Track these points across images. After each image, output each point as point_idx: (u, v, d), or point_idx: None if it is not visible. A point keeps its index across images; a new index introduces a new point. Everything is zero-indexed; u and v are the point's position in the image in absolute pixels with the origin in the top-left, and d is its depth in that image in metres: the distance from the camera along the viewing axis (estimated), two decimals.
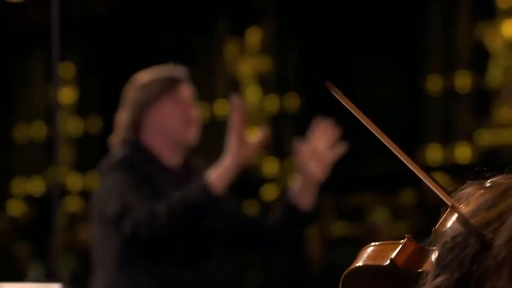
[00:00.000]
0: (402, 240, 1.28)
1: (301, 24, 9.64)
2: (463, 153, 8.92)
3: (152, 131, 3.30)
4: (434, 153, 9.01)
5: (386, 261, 1.27)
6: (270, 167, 9.64)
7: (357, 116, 1.29)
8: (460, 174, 8.61)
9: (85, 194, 10.76)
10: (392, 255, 1.27)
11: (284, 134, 9.67)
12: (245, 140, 3.24)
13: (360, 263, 1.31)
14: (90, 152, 10.81)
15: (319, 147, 3.34)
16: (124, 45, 10.64)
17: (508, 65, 8.92)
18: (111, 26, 10.69)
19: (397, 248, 1.28)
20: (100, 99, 10.86)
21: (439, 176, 8.75)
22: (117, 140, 3.37)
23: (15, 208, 10.63)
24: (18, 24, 10.56)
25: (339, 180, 9.39)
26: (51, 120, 10.50)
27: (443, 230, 1.21)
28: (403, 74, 9.25)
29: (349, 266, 1.31)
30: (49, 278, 2.77)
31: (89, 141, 10.82)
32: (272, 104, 9.77)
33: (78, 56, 10.78)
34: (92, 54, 10.93)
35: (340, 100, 1.28)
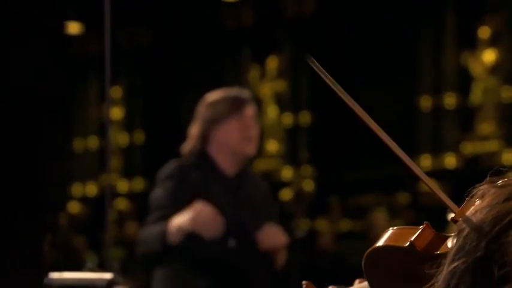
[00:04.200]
0: (421, 226, 1.22)
1: (311, 54, 9.61)
2: (450, 161, 8.87)
3: (217, 143, 3.28)
4: (425, 161, 8.96)
5: (406, 243, 1.20)
6: (287, 173, 9.62)
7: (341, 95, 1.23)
8: (447, 178, 8.56)
9: (131, 196, 10.77)
10: (412, 238, 1.20)
11: (298, 145, 9.65)
12: (205, 210, 3.15)
13: (381, 243, 1.24)
14: (135, 160, 10.83)
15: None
16: (164, 72, 10.66)
17: (488, 86, 8.87)
18: (154, 55, 10.72)
19: (416, 232, 1.21)
20: (143, 116, 10.88)
21: (431, 180, 8.69)
22: (187, 148, 3.36)
23: (74, 207, 10.66)
24: (76, 54, 10.61)
25: (345, 184, 9.38)
26: (103, 134, 10.53)
27: (460, 219, 1.14)
28: (398, 94, 9.22)
29: (369, 247, 1.24)
30: (102, 268, 2.75)
31: (134, 151, 10.85)
32: (288, 120, 9.76)
33: (125, 80, 10.82)
34: (137, 79, 10.96)
35: (322, 76, 1.23)
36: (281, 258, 3.27)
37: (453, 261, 1.07)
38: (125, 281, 2.71)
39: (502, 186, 1.12)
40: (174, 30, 10.40)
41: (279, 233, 3.24)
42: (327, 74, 1.18)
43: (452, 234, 1.15)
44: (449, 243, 1.14)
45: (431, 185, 1.21)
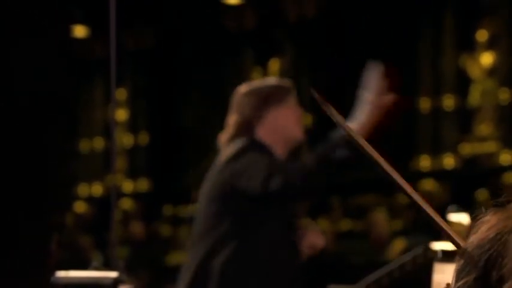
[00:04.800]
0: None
1: (312, 56, 9.64)
2: (449, 161, 8.86)
3: (269, 129, 3.21)
4: (424, 161, 8.96)
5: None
6: None
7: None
8: (446, 179, 8.55)
9: (136, 196, 10.77)
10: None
11: (298, 146, 9.64)
12: (380, 101, 3.13)
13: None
14: (139, 161, 10.83)
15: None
16: (168, 74, 10.67)
17: (486, 88, 8.87)
18: (157, 58, 10.73)
19: None
20: (147, 117, 10.89)
21: (429, 181, 8.70)
22: (225, 138, 3.27)
23: (80, 207, 10.67)
24: (82, 56, 10.62)
25: (345, 184, 9.37)
26: (108, 135, 10.53)
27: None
28: (398, 95, 9.21)
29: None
30: (107, 267, 2.75)
31: (138, 152, 10.85)
32: None
33: (130, 82, 10.82)
34: (141, 82, 10.97)
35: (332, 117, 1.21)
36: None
37: (457, 281, 1.10)
38: (129, 280, 2.71)
39: (498, 211, 1.14)
40: (178, 32, 10.40)
41: (320, 236, 3.27)
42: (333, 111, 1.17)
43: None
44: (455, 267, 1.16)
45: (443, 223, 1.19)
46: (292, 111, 3.28)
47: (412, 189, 1.22)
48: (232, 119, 3.26)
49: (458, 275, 1.10)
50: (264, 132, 3.21)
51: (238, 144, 3.18)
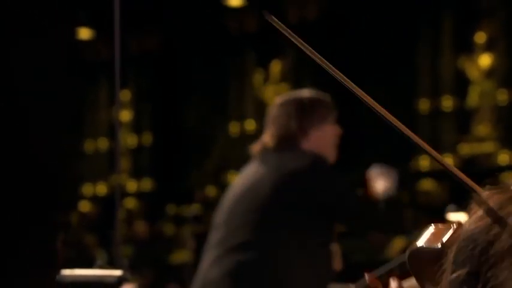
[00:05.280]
0: (453, 225, 1.20)
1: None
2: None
3: (311, 144, 3.07)
4: (424, 162, 8.96)
5: (438, 244, 1.19)
6: None
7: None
8: (445, 178, 8.55)
9: (139, 195, 10.78)
10: (444, 239, 1.19)
11: None
12: None
13: (419, 244, 1.23)
14: (143, 161, 10.83)
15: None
16: (171, 76, 10.67)
17: (484, 89, 8.87)
18: (161, 60, 10.74)
19: (448, 232, 1.19)
20: (151, 118, 10.89)
21: (428, 181, 8.70)
22: (262, 148, 3.11)
23: (85, 206, 10.67)
24: (87, 59, 10.63)
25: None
26: (113, 135, 10.52)
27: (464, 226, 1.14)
28: (398, 97, 9.22)
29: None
30: (112, 265, 2.75)
31: (142, 152, 10.85)
32: None
33: (134, 84, 10.83)
34: (145, 83, 10.98)
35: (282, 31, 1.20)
36: None
37: (453, 272, 1.09)
38: (133, 278, 2.71)
39: (500, 191, 1.13)
40: (181, 35, 10.40)
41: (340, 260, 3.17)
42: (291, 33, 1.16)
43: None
44: (451, 254, 1.13)
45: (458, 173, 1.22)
46: (334, 131, 3.13)
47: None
48: (271, 130, 3.10)
49: (453, 264, 1.08)
50: (308, 147, 3.07)
51: (296, 155, 3.04)
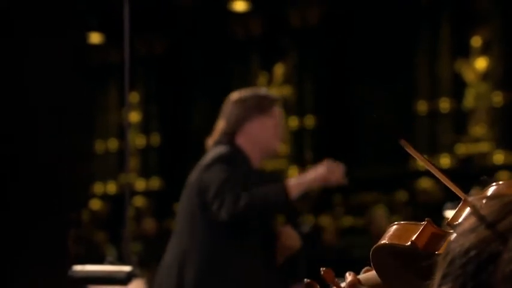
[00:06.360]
0: (423, 223, 1.13)
1: (315, 61, 9.63)
2: (445, 161, 8.85)
3: (249, 138, 3.18)
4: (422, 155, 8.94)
5: (408, 242, 1.12)
6: (293, 172, 9.62)
7: (426, 165, 1.15)
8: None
9: (148, 194, 10.79)
10: (413, 237, 1.12)
11: (303, 147, 9.64)
12: (337, 168, 3.14)
13: (386, 241, 1.16)
14: (151, 161, 10.84)
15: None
16: (178, 79, 10.68)
17: (480, 92, 8.85)
18: (168, 63, 10.74)
19: (418, 230, 1.12)
20: (159, 120, 10.90)
21: (427, 180, 8.69)
22: (211, 142, 3.25)
23: (95, 204, 10.68)
24: (98, 62, 10.64)
25: (347, 183, 9.35)
26: (122, 136, 10.55)
27: (455, 224, 1.05)
28: (397, 99, 9.21)
29: (377, 242, 1.18)
30: (121, 261, 2.75)
31: (150, 152, 10.86)
32: (294, 123, 9.76)
33: (143, 87, 10.83)
34: (153, 86, 10.98)
35: (412, 154, 1.14)
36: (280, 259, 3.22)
37: (440, 285, 0.96)
38: (142, 274, 2.71)
39: (492, 198, 0.99)
40: (187, 40, 10.41)
41: (296, 236, 3.20)
42: (418, 153, 1.14)
43: (452, 232, 1.08)
44: (439, 269, 1.01)
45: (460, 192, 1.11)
46: (272, 123, 3.20)
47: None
48: (219, 125, 3.26)
49: (443, 277, 0.96)
50: (243, 141, 3.18)
51: (216, 150, 3.18)
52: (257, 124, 3.18)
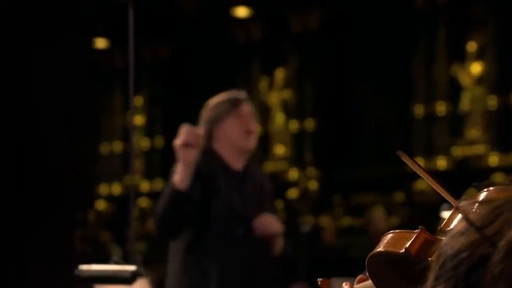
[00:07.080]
0: (416, 230, 1.14)
1: (315, 66, 9.63)
2: (441, 163, 8.84)
3: (221, 140, 3.25)
4: (419, 162, 8.94)
5: (402, 249, 1.13)
6: (293, 174, 9.62)
7: (421, 175, 1.18)
8: (439, 179, 8.54)
9: (152, 195, 10.78)
10: (407, 245, 1.13)
11: (303, 149, 9.64)
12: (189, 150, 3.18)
13: (381, 249, 1.17)
14: (155, 163, 10.84)
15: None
16: (181, 83, 10.68)
17: (475, 95, 8.85)
18: (172, 68, 10.75)
19: (412, 237, 1.13)
20: (163, 122, 10.90)
21: (423, 181, 8.67)
22: None
23: (101, 205, 10.68)
24: (103, 67, 10.64)
25: (346, 184, 9.36)
26: (127, 138, 10.54)
27: (446, 229, 1.05)
28: (395, 102, 9.21)
29: (372, 250, 1.19)
30: (126, 261, 2.75)
31: (155, 154, 10.86)
32: (294, 126, 9.76)
33: (147, 90, 10.84)
34: (157, 90, 10.99)
35: (409, 164, 1.18)
36: (278, 246, 3.23)
37: (433, 287, 0.97)
38: (146, 273, 2.71)
39: (483, 203, 1.00)
40: (191, 45, 10.42)
41: (275, 221, 3.21)
42: (416, 164, 1.15)
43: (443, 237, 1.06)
44: (432, 270, 1.01)
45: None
46: (239, 122, 3.25)
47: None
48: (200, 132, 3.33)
49: (436, 279, 0.96)
50: (219, 145, 3.25)
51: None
52: (226, 125, 3.24)
